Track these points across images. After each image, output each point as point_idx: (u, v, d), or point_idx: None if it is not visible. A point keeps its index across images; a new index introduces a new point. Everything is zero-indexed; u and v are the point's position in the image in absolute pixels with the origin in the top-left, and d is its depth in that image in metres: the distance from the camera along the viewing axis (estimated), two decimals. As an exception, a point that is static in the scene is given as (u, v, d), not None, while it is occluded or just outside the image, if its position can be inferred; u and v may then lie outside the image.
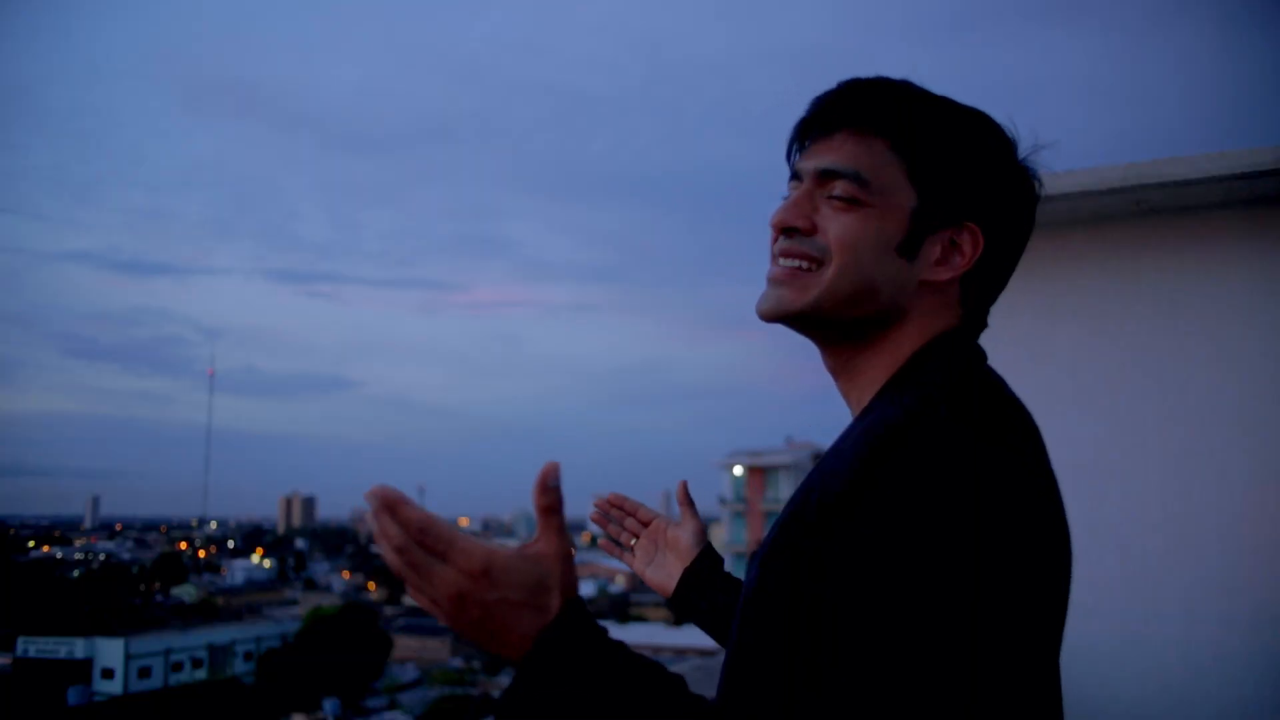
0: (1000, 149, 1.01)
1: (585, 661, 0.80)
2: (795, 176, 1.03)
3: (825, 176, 0.99)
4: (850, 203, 0.97)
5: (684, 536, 1.38)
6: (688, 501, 1.41)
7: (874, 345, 0.99)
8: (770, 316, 1.01)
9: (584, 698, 0.78)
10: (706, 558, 1.35)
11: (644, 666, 0.82)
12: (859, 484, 0.80)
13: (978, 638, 0.76)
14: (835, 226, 0.97)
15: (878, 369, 0.99)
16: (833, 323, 0.99)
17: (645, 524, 1.44)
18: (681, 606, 1.34)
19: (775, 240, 1.03)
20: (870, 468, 0.80)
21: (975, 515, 0.78)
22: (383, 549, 0.80)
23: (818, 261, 0.98)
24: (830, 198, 0.98)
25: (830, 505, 0.81)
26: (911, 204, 0.97)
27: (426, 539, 0.79)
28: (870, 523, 0.78)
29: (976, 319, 1.04)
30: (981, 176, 0.99)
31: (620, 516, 1.45)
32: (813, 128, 1.02)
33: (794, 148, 1.04)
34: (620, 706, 0.78)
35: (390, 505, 0.78)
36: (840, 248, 0.96)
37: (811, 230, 0.99)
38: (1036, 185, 1.03)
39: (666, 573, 1.37)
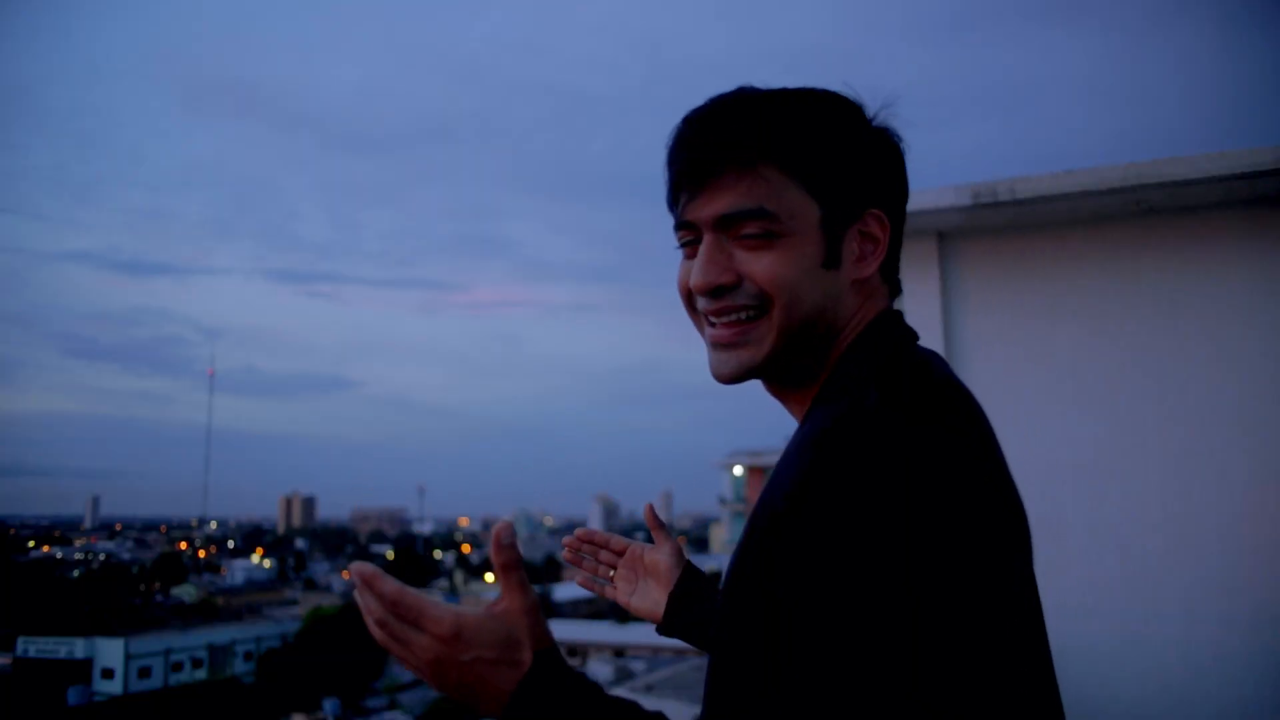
0: (859, 122, 1.00)
1: (562, 708, 0.82)
2: (686, 226, 0.99)
3: (728, 222, 0.95)
4: (766, 238, 0.94)
5: (662, 560, 1.34)
6: (657, 524, 1.37)
7: (815, 354, 0.99)
8: (733, 378, 0.98)
9: None
10: (689, 579, 1.32)
11: (620, 707, 0.84)
12: (801, 486, 0.81)
13: (925, 623, 0.76)
14: (760, 268, 0.94)
15: (808, 369, 1.00)
16: (792, 360, 0.97)
17: (620, 553, 1.40)
18: (674, 630, 1.31)
19: (691, 303, 1.01)
20: (810, 470, 0.81)
21: (909, 500, 0.78)
22: (367, 622, 0.85)
23: (756, 310, 0.95)
24: (741, 238, 0.95)
25: (779, 510, 0.81)
26: (817, 215, 0.95)
27: (399, 609, 0.83)
28: (811, 522, 0.79)
29: (894, 295, 1.04)
30: (862, 159, 0.98)
31: (593, 551, 1.41)
32: (694, 175, 0.96)
33: (678, 197, 0.99)
34: None
35: (367, 581, 0.83)
36: (776, 289, 0.94)
37: (737, 281, 0.95)
38: (898, 142, 1.02)
39: (653, 600, 1.34)
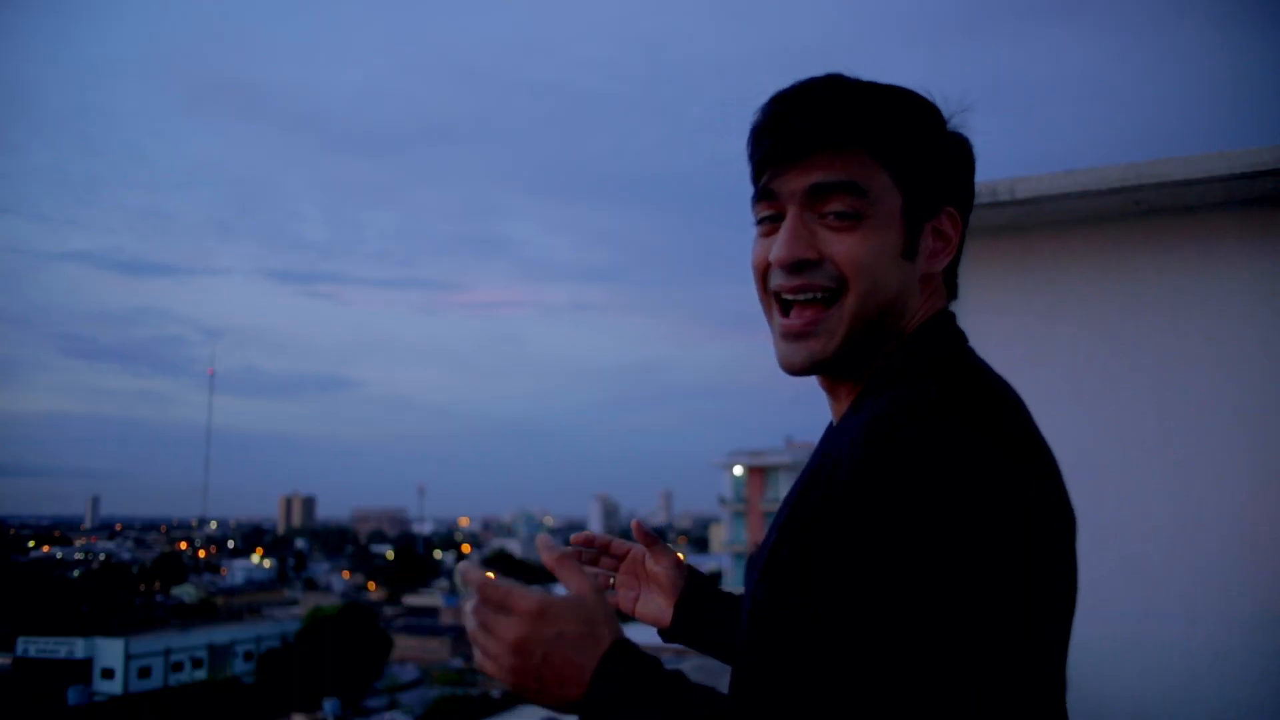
0: (940, 122, 1.02)
1: (643, 686, 0.84)
2: (768, 197, 0.98)
3: (818, 194, 0.94)
4: (852, 219, 0.93)
5: (663, 571, 1.32)
6: (649, 539, 1.34)
7: (879, 351, 0.98)
8: (803, 369, 0.97)
9: (650, 715, 0.82)
10: (694, 585, 1.31)
11: (699, 692, 0.86)
12: (858, 479, 0.80)
13: (986, 628, 0.76)
14: (843, 249, 0.93)
15: (856, 366, 0.99)
16: (859, 353, 0.96)
17: (620, 558, 1.37)
18: (680, 636, 1.29)
19: (765, 280, 0.99)
20: (868, 463, 0.81)
21: (974, 505, 0.78)
22: (466, 621, 0.90)
23: (832, 292, 0.94)
24: (825, 217, 0.94)
25: (832, 502, 0.81)
26: (900, 204, 0.95)
27: (485, 592, 0.88)
28: (870, 517, 0.78)
29: (951, 297, 1.05)
30: (943, 157, 1.00)
31: (593, 557, 1.37)
32: (786, 150, 0.95)
33: (763, 172, 0.98)
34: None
35: (465, 576, 0.91)
36: (856, 271, 0.93)
37: (819, 259, 0.94)
38: (970, 147, 1.04)
39: (657, 606, 1.32)
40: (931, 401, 0.85)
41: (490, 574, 0.90)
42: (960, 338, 1.00)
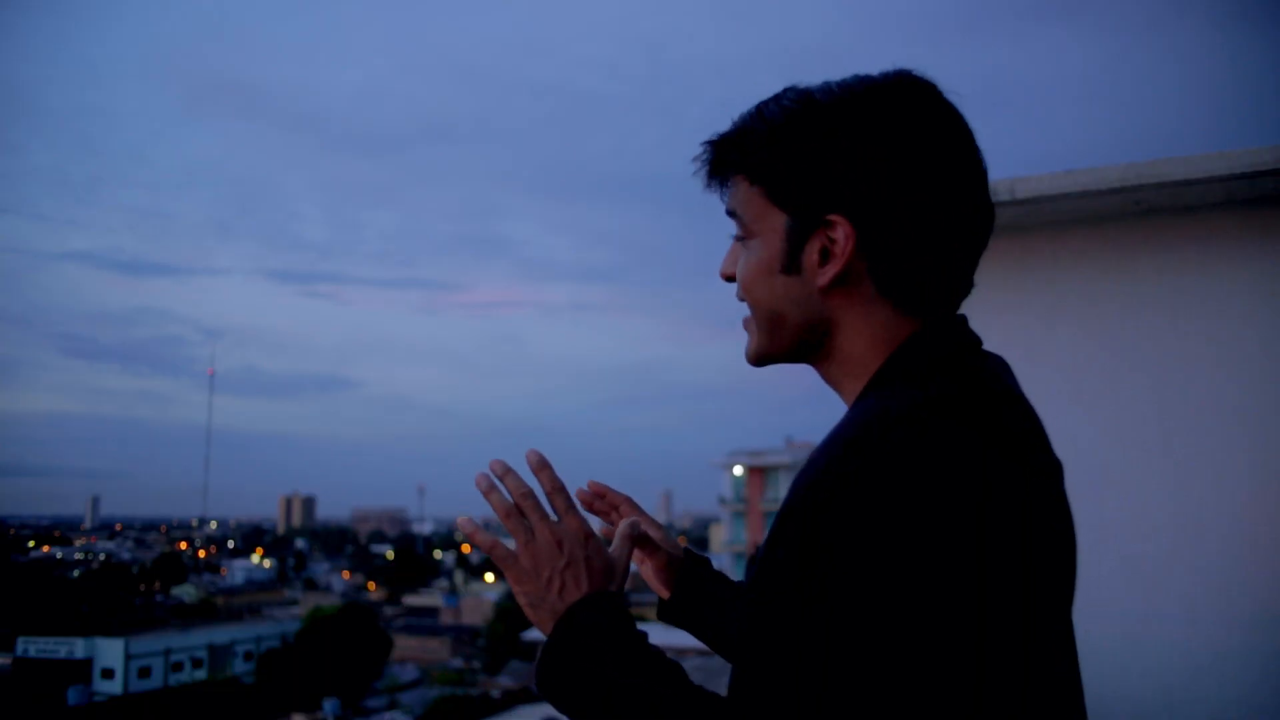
0: (836, 127, 0.96)
1: (627, 632, 0.96)
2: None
3: (730, 218, 1.06)
4: (742, 240, 1.03)
5: (662, 552, 1.32)
6: (643, 536, 1.30)
7: (829, 358, 1.01)
8: (749, 360, 1.08)
9: (617, 662, 0.93)
10: (693, 560, 1.32)
11: (670, 662, 0.95)
12: (839, 479, 0.81)
13: (978, 628, 0.76)
14: (737, 267, 1.05)
15: (850, 377, 1.00)
16: (782, 353, 1.04)
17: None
18: (676, 613, 1.30)
19: None
20: (846, 462, 0.82)
21: (968, 503, 0.78)
22: (493, 500, 1.03)
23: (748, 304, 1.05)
24: (733, 239, 1.06)
25: (818, 501, 0.82)
26: (783, 222, 0.98)
27: (556, 494, 1.04)
28: (851, 516, 0.79)
29: (929, 303, 0.98)
30: (830, 166, 0.95)
31: (604, 508, 1.36)
32: (706, 184, 1.07)
33: None
34: (644, 679, 0.92)
35: (539, 466, 1.05)
36: (741, 287, 1.04)
37: (733, 276, 1.06)
38: (908, 139, 0.95)
39: (655, 581, 1.33)
40: (927, 400, 0.85)
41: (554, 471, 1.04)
42: (963, 340, 0.98)
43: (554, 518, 1.03)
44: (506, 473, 1.04)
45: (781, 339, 1.02)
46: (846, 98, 0.97)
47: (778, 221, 0.98)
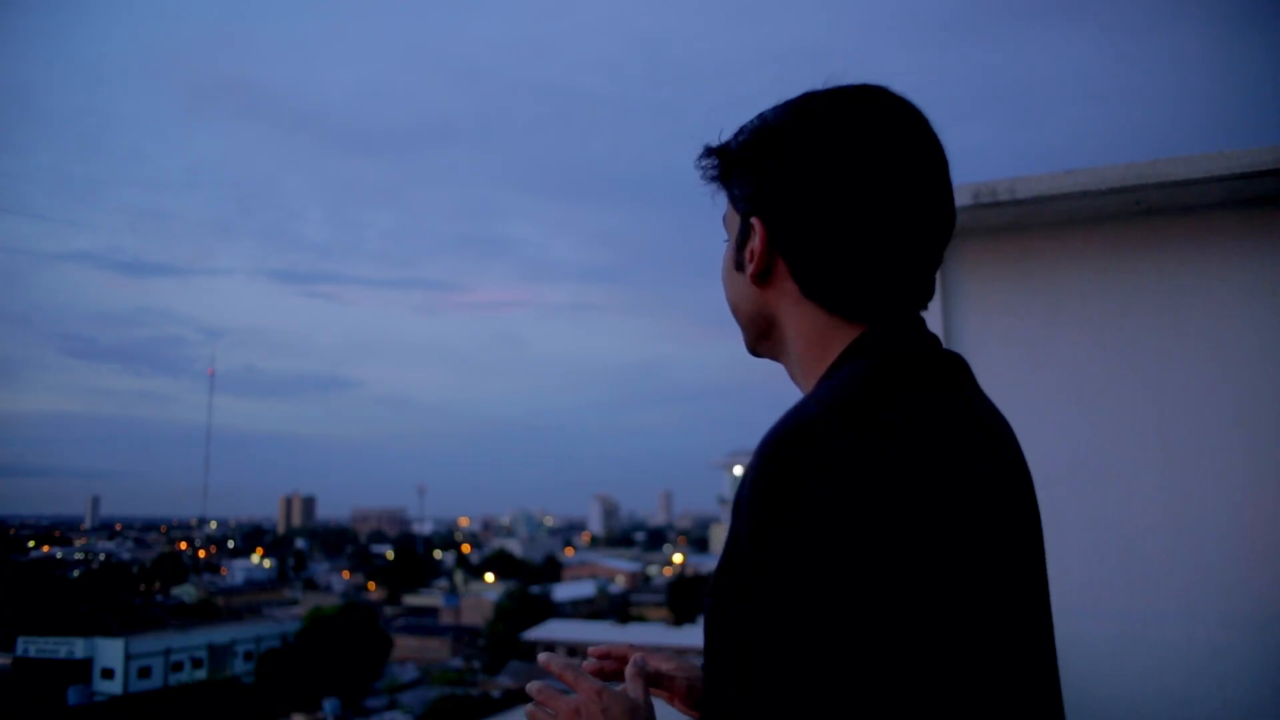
0: (787, 135, 0.99)
1: None
2: None
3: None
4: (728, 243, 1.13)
5: (675, 679, 1.27)
6: (654, 671, 1.27)
7: (785, 356, 1.09)
8: (748, 352, 1.16)
9: None
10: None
11: None
12: (748, 487, 0.87)
13: (844, 626, 0.80)
14: None
15: (800, 376, 1.06)
16: (753, 345, 1.12)
17: (622, 660, 1.31)
18: None
19: None
20: (755, 471, 0.87)
21: (843, 510, 0.82)
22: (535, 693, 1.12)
23: None
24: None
25: (735, 507, 0.90)
26: (738, 225, 1.08)
27: (563, 674, 1.10)
28: (749, 521, 0.86)
29: (867, 306, 0.98)
30: (762, 172, 1.02)
31: (614, 665, 1.30)
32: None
33: None
34: None
35: (547, 665, 1.14)
36: (722, 283, 1.14)
37: None
38: (843, 147, 0.96)
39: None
40: (809, 412, 0.88)
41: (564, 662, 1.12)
42: (910, 343, 0.96)
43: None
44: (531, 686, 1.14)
45: (746, 332, 1.12)
46: (790, 108, 1.03)
47: (735, 226, 1.09)
